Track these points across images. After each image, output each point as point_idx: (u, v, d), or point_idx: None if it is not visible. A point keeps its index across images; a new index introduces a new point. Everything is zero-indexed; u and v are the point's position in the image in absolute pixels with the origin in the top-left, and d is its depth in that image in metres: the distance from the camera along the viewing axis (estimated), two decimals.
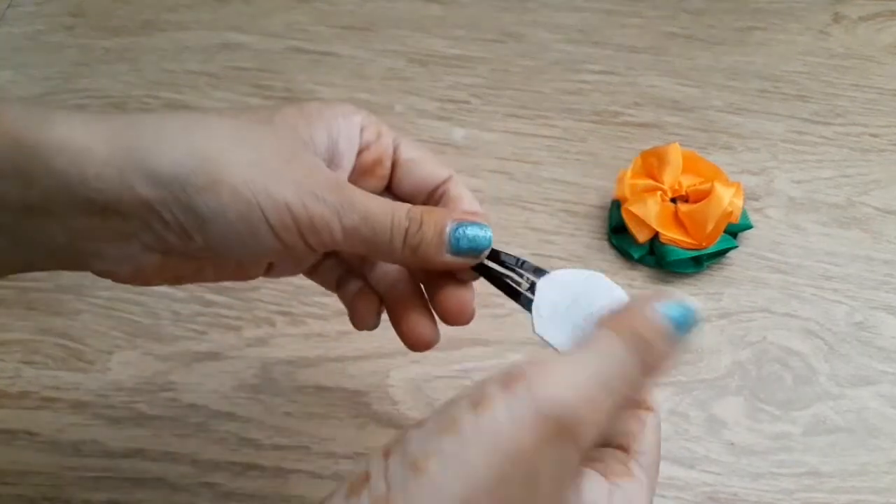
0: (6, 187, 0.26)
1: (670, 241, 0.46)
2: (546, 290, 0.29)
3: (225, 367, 0.44)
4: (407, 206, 0.29)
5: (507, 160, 0.52)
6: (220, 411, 0.42)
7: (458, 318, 0.31)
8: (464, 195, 0.31)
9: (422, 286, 0.32)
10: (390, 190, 0.33)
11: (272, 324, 0.45)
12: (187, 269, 0.30)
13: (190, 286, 0.46)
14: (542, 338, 0.28)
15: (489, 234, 0.29)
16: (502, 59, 0.57)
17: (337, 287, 0.34)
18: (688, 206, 0.47)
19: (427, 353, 0.44)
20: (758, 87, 0.56)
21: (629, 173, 0.48)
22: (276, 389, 0.43)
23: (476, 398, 0.23)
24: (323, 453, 0.41)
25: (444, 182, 0.31)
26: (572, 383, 0.23)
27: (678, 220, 0.47)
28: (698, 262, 0.47)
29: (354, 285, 0.33)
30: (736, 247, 0.47)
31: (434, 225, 0.28)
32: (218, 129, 0.27)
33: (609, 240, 0.49)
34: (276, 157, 0.27)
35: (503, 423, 0.22)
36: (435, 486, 0.22)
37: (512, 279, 0.30)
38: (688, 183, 0.48)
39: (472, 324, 0.45)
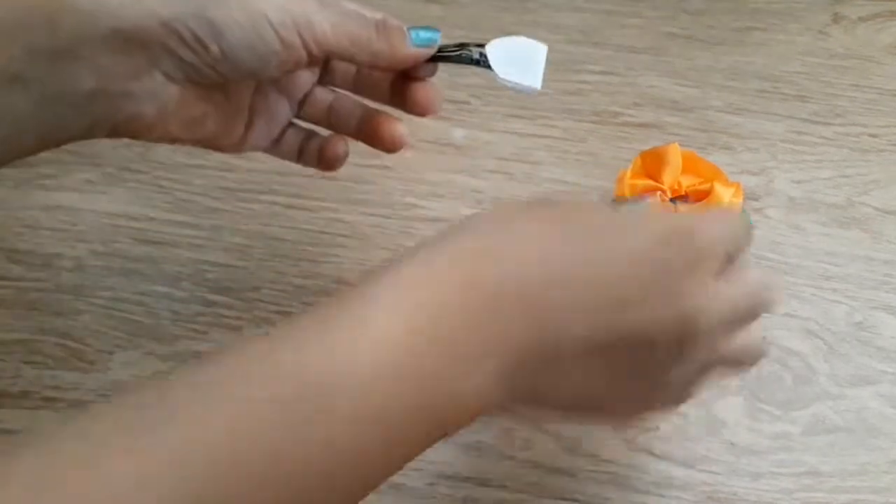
0: (36, 36, 0.29)
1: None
2: (494, 51, 0.37)
3: None
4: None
5: (507, 160, 0.52)
6: None
7: (429, 107, 0.38)
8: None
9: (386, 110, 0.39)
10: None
11: (272, 324, 0.45)
12: (197, 110, 0.34)
13: (190, 286, 0.46)
14: (506, 81, 0.37)
15: (438, 31, 0.36)
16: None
17: (299, 155, 0.40)
18: (687, 206, 0.47)
19: None
20: (757, 88, 0.56)
21: (629, 173, 0.48)
22: None
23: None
24: None
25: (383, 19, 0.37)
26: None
27: None
28: None
29: (316, 142, 0.40)
30: None
31: (395, 25, 0.35)
32: None
33: None
34: None
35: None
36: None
37: (463, 56, 0.37)
38: (687, 183, 0.47)
39: None
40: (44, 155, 0.47)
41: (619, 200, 0.47)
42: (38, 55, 0.29)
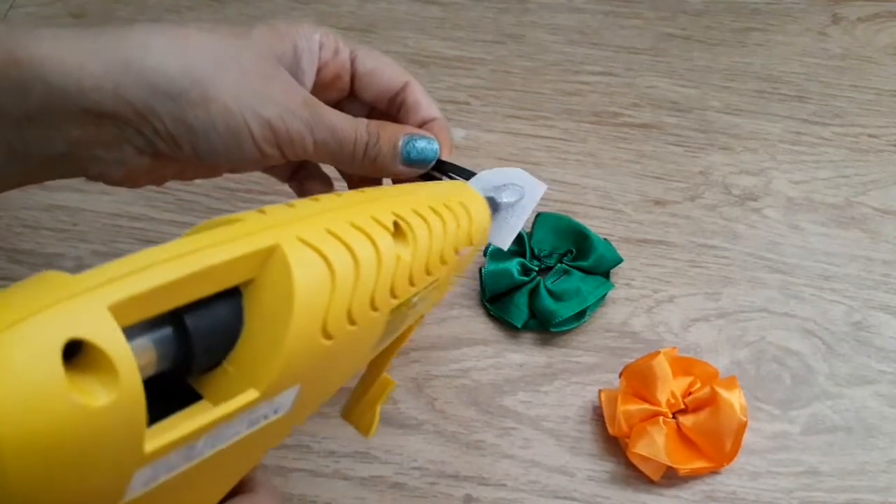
0: (5, 99, 0.27)
1: (691, 472, 0.40)
2: (476, 187, 0.33)
3: None
4: (366, 121, 0.32)
5: (507, 161, 0.52)
6: None
7: None
8: (421, 101, 0.35)
9: None
10: (354, 96, 0.36)
11: None
12: (172, 170, 0.33)
13: None
14: None
15: (436, 146, 0.33)
16: (502, 61, 0.57)
17: (290, 179, 0.38)
18: (692, 419, 0.41)
19: (427, 352, 0.44)
20: (756, 88, 0.56)
21: (619, 398, 0.41)
22: None
23: None
24: (323, 452, 0.41)
25: (403, 88, 0.35)
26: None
27: (684, 438, 0.41)
28: (581, 315, 0.45)
29: (304, 172, 0.38)
30: (614, 287, 0.46)
31: (389, 139, 0.32)
32: (205, 48, 0.30)
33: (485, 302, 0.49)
34: (258, 77, 0.30)
35: None
36: None
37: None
38: (681, 388, 0.41)
39: (471, 324, 0.45)
40: None
41: (619, 437, 0.41)
42: (8, 118, 0.28)
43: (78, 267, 0.47)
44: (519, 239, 0.47)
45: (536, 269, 0.46)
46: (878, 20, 0.60)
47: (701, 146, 0.53)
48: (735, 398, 0.40)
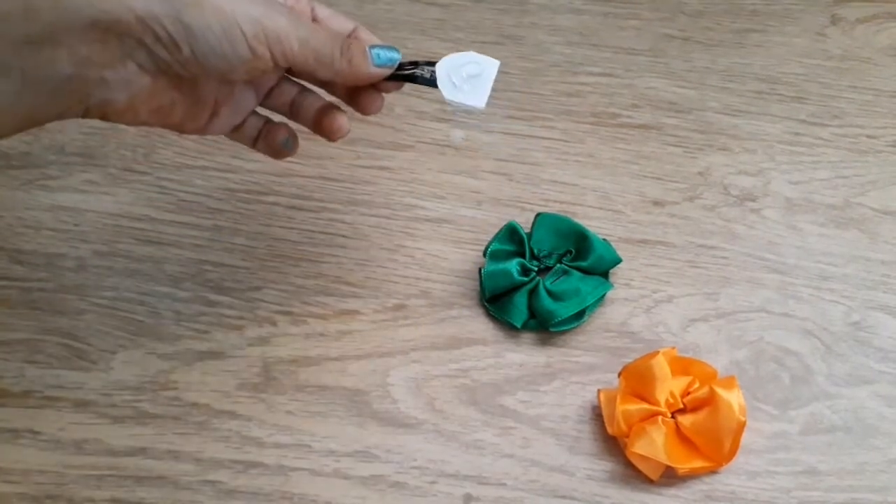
0: (15, 23, 0.30)
1: (689, 471, 0.41)
2: (442, 71, 0.39)
3: (227, 366, 0.44)
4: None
5: (507, 161, 0.52)
6: (223, 410, 0.43)
7: (369, 111, 0.41)
8: (373, 39, 0.40)
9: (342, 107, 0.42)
10: None
11: (273, 323, 0.46)
12: (166, 99, 0.36)
13: (192, 286, 0.47)
14: (452, 101, 0.39)
15: (398, 51, 0.39)
16: (501, 62, 0.57)
17: (255, 142, 0.42)
18: (690, 419, 0.41)
19: (427, 352, 0.44)
20: (755, 89, 0.57)
21: (618, 398, 0.41)
22: (278, 388, 0.43)
23: None
24: (324, 451, 0.42)
25: (354, 31, 0.40)
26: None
27: (683, 438, 0.41)
28: (580, 315, 0.45)
29: (274, 130, 0.42)
30: (613, 287, 0.46)
31: (359, 46, 0.38)
32: None
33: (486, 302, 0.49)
34: None
35: None
36: None
37: (416, 75, 0.39)
38: (679, 389, 0.41)
39: (471, 324, 0.45)
40: (47, 156, 0.48)
41: (618, 437, 0.42)
42: (18, 41, 0.30)
43: (80, 267, 0.47)
44: (519, 239, 0.47)
45: (536, 269, 0.47)
46: (876, 21, 0.60)
47: (700, 147, 0.53)
48: (734, 398, 0.40)
